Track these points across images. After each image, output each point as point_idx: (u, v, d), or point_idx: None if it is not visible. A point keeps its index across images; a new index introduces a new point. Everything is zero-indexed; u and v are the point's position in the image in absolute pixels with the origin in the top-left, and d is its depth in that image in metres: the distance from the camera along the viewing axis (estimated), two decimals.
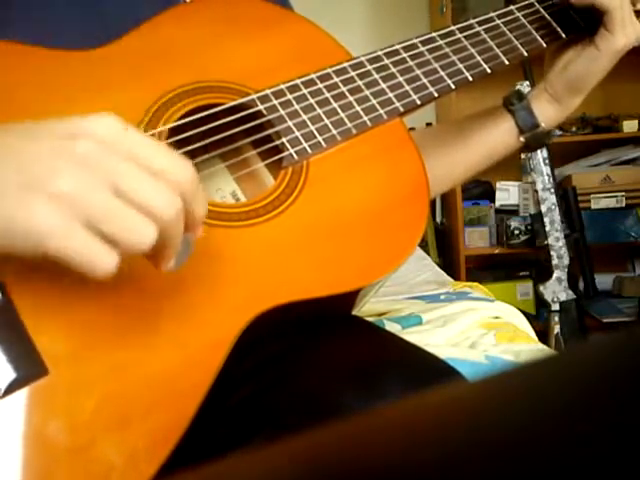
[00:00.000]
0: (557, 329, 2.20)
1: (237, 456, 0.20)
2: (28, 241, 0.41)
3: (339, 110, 0.66)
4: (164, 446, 0.46)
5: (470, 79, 0.73)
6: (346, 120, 0.65)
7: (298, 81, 0.65)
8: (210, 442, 0.51)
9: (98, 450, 0.45)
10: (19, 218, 0.41)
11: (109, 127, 0.43)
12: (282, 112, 0.63)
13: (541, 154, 2.22)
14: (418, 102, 0.70)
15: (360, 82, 0.68)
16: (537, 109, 0.79)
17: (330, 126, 0.64)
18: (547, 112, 0.79)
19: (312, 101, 0.65)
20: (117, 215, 0.41)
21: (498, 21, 0.76)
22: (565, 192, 2.39)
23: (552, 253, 2.21)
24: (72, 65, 0.58)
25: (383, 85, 0.69)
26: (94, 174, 0.42)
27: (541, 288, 2.22)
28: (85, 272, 0.41)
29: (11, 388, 0.45)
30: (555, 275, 2.21)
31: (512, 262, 2.67)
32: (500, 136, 0.80)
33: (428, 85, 0.70)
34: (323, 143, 0.64)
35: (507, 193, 2.67)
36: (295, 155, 0.62)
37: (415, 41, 0.72)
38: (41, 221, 0.41)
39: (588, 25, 0.76)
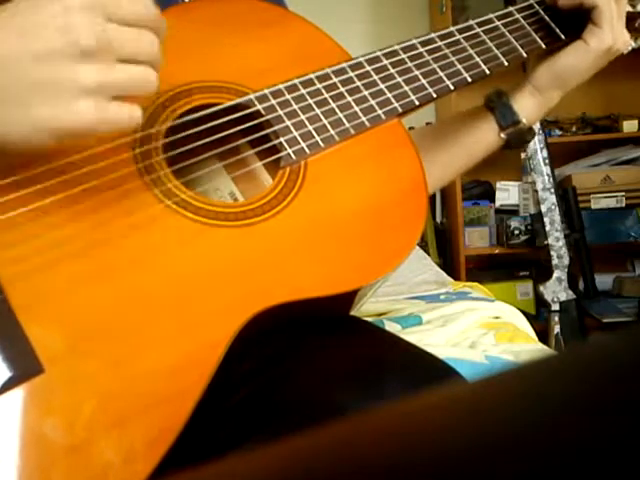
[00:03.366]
0: (557, 329, 2.20)
1: (236, 457, 0.20)
2: (77, 132, 0.49)
3: (337, 110, 0.66)
4: (161, 445, 0.46)
5: (469, 80, 0.73)
6: (344, 120, 0.65)
7: (297, 81, 0.65)
8: (209, 443, 0.51)
9: (94, 448, 0.45)
10: (65, 121, 0.48)
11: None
12: (280, 112, 0.63)
13: (541, 154, 2.22)
14: (417, 103, 0.70)
15: (359, 83, 0.68)
16: (517, 103, 0.79)
17: (328, 126, 0.64)
18: (528, 107, 0.79)
19: (310, 101, 0.65)
20: (132, 77, 0.51)
21: (497, 22, 0.76)
22: (565, 192, 2.39)
23: (552, 253, 2.21)
24: None
25: (382, 86, 0.69)
26: (104, 59, 0.49)
27: (541, 288, 2.22)
28: (122, 127, 0.51)
29: (6, 387, 0.45)
30: (555, 275, 2.21)
31: (512, 262, 2.67)
32: (481, 134, 0.80)
33: (427, 86, 0.70)
34: (321, 143, 0.64)
35: (507, 193, 2.67)
36: (293, 155, 0.62)
37: (414, 42, 0.73)
38: (85, 115, 0.49)
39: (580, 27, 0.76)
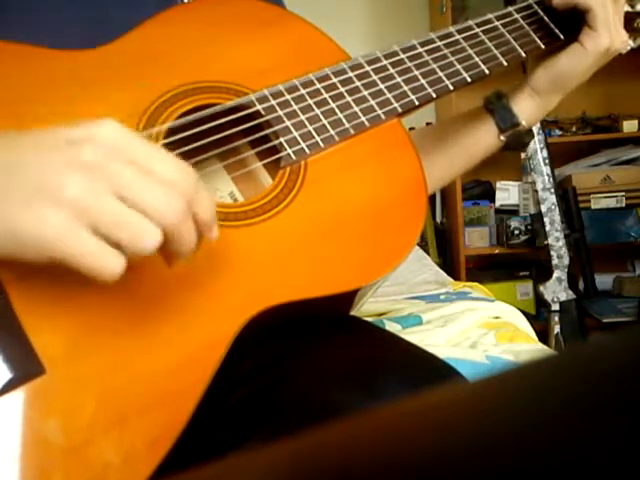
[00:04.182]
0: (557, 329, 2.20)
1: (236, 457, 0.20)
2: (38, 247, 0.43)
3: (337, 110, 0.66)
4: (161, 445, 0.46)
5: (468, 80, 0.73)
6: (344, 120, 0.65)
7: (296, 81, 0.65)
8: (209, 443, 0.51)
9: (95, 449, 0.45)
10: (29, 226, 0.42)
11: (111, 133, 0.45)
12: (280, 112, 0.63)
13: (541, 154, 2.22)
14: (416, 103, 0.70)
15: (358, 83, 0.68)
16: (517, 105, 0.79)
17: (328, 126, 0.64)
18: (527, 109, 0.79)
19: (310, 101, 0.65)
20: (122, 220, 0.43)
21: (496, 22, 0.76)
22: (565, 192, 2.39)
23: (552, 253, 2.21)
24: (71, 65, 0.58)
25: (381, 86, 0.69)
26: (98, 181, 0.43)
27: (541, 288, 2.22)
28: (93, 275, 0.43)
29: (8, 387, 0.45)
30: (555, 275, 2.21)
31: (512, 262, 2.67)
32: (481, 136, 0.80)
33: (426, 86, 0.70)
34: (321, 143, 0.64)
35: (507, 193, 2.67)
36: (293, 155, 0.62)
37: (414, 42, 0.73)
38: (51, 228, 0.42)
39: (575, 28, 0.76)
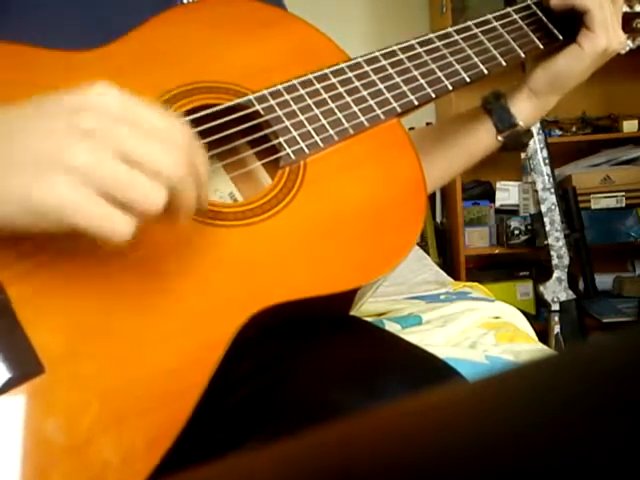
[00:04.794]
0: (557, 329, 2.20)
1: (236, 457, 0.20)
2: (49, 216, 0.43)
3: (336, 110, 0.66)
4: (160, 445, 0.46)
5: (467, 80, 0.73)
6: (343, 120, 0.65)
7: (295, 82, 0.65)
8: (210, 443, 0.51)
9: (94, 448, 0.45)
10: (38, 195, 0.43)
11: (110, 97, 0.46)
12: (279, 112, 0.63)
13: (541, 154, 2.22)
14: (415, 103, 0.70)
15: (357, 83, 0.68)
16: (515, 106, 0.79)
17: (327, 126, 0.64)
18: (525, 109, 0.79)
19: (309, 101, 0.65)
20: (128, 181, 0.44)
21: (495, 23, 0.76)
22: (565, 192, 2.39)
23: (552, 253, 2.21)
24: (70, 65, 0.58)
25: (380, 86, 0.69)
26: (102, 145, 0.44)
27: (541, 288, 2.22)
28: (104, 239, 0.44)
29: (7, 387, 0.45)
30: (555, 275, 2.21)
31: (512, 262, 2.67)
32: (480, 136, 0.80)
33: (425, 86, 0.70)
34: (320, 143, 0.64)
35: (507, 193, 2.67)
36: (292, 155, 0.62)
37: (413, 42, 0.73)
38: (60, 195, 0.43)
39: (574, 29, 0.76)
